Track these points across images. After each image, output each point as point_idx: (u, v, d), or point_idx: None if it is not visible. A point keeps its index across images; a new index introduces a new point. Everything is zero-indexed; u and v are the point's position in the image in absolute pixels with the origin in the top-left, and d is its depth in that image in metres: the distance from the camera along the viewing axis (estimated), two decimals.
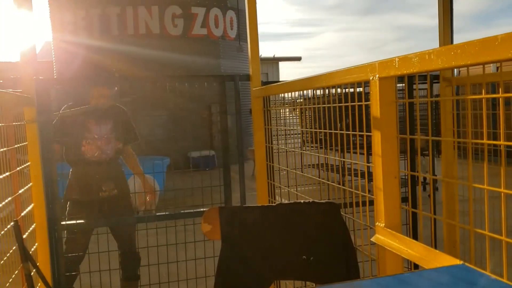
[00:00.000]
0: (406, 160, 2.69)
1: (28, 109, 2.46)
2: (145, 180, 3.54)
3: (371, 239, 1.52)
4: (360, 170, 2.12)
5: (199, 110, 10.38)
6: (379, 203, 1.50)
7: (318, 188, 2.44)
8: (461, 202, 2.49)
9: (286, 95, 2.73)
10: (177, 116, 10.36)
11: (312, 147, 3.75)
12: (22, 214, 2.30)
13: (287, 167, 2.74)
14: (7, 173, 2.05)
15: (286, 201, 2.12)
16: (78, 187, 3.24)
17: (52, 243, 2.59)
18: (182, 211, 2.91)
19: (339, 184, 2.05)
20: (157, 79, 3.54)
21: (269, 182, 2.83)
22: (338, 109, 1.94)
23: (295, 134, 3.71)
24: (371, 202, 1.66)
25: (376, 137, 1.49)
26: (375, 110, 1.48)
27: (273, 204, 1.96)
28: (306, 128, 3.12)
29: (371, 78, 1.48)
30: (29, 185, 2.44)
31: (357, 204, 1.90)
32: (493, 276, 0.95)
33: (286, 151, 2.79)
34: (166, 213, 2.93)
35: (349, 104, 1.85)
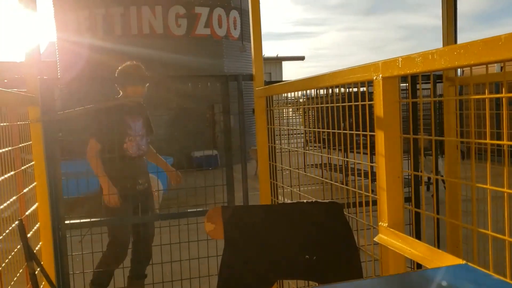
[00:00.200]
0: (409, 160, 2.69)
1: (33, 109, 2.48)
2: (169, 168, 3.62)
3: (374, 239, 1.52)
4: (364, 170, 2.12)
5: (202, 110, 10.39)
6: (382, 202, 1.50)
7: (321, 188, 2.44)
8: (464, 202, 2.49)
9: (289, 94, 2.73)
10: (180, 116, 10.38)
11: (315, 147, 3.75)
12: (27, 213, 2.31)
13: (290, 167, 2.74)
14: (12, 172, 2.06)
15: (289, 201, 2.12)
16: (116, 182, 3.29)
17: (56, 242, 2.60)
18: (185, 211, 2.92)
19: (342, 184, 2.06)
20: (160, 79, 3.55)
21: (272, 182, 2.83)
22: (341, 108, 1.94)
23: (298, 134, 3.71)
24: (375, 202, 1.66)
25: (380, 136, 1.49)
26: (379, 109, 1.48)
27: (276, 204, 1.97)
28: (309, 128, 3.12)
29: (374, 77, 1.48)
30: (33, 184, 2.45)
31: (361, 204, 1.90)
32: (496, 276, 0.96)
33: (289, 151, 2.79)
34: (170, 212, 2.94)
35: (353, 103, 1.85)
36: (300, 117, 3.67)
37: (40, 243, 2.48)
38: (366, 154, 2.13)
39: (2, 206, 1.93)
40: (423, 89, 3.08)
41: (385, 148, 1.46)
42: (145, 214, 3.33)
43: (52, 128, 2.61)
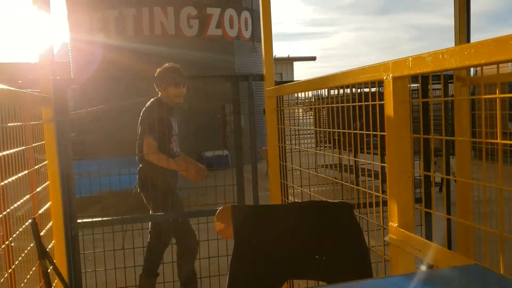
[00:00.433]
0: (420, 161, 2.68)
1: (46, 109, 2.51)
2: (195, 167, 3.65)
3: (384, 239, 1.52)
4: (375, 171, 2.11)
5: (213, 110, 10.42)
6: (393, 203, 1.50)
7: (331, 189, 2.44)
8: (476, 203, 2.47)
9: (300, 94, 2.73)
10: (191, 116, 10.42)
11: (326, 147, 3.74)
12: (40, 212, 2.34)
13: (300, 167, 2.74)
14: (25, 172, 2.09)
15: (299, 201, 2.12)
16: (166, 179, 3.36)
17: (68, 240, 2.63)
18: (196, 210, 2.94)
19: (353, 184, 2.05)
20: (171, 79, 3.58)
21: (282, 182, 2.83)
22: (352, 108, 1.94)
23: (309, 134, 3.70)
24: (386, 203, 1.66)
25: (390, 136, 1.49)
26: (389, 109, 1.48)
27: (286, 204, 1.97)
28: (320, 128, 3.11)
29: (384, 77, 1.48)
30: (46, 183, 2.49)
31: (372, 205, 1.90)
32: (507, 277, 0.95)
33: (299, 151, 2.79)
34: (180, 211, 2.96)
35: (363, 103, 1.84)
36: (311, 117, 3.66)
37: (53, 241, 2.51)
38: (377, 154, 2.12)
39: (15, 205, 1.96)
40: (434, 89, 3.06)
41: (395, 148, 1.46)
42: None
43: (65, 128, 2.65)
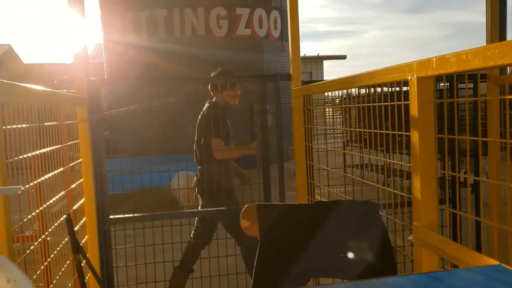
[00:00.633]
0: (450, 161, 2.64)
1: (80, 109, 2.60)
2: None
3: (408, 238, 1.52)
4: (404, 171, 2.10)
5: (241, 110, 10.47)
6: (417, 202, 1.50)
7: (359, 189, 2.44)
8: (504, 204, 2.43)
9: (328, 94, 2.74)
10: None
11: (355, 147, 3.73)
12: (74, 207, 2.43)
13: (327, 167, 2.75)
14: (61, 169, 2.17)
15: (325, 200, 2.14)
16: (229, 177, 3.51)
17: (101, 235, 2.72)
18: (224, 208, 2.98)
19: (382, 184, 2.05)
20: (200, 79, 3.64)
21: (308, 182, 2.85)
22: (383, 108, 1.93)
23: (337, 133, 3.70)
24: (409, 204, 1.66)
25: (414, 136, 1.50)
26: (413, 109, 1.49)
27: (311, 202, 1.99)
28: (349, 127, 3.10)
29: (409, 78, 1.49)
30: (80, 180, 2.58)
31: (401, 205, 1.90)
32: None
33: (326, 151, 2.80)
34: (207, 209, 3.02)
35: (389, 103, 1.85)
36: (340, 116, 3.66)
37: (86, 236, 2.60)
38: (409, 154, 2.11)
39: (51, 201, 2.04)
40: (462, 88, 3.02)
41: (420, 148, 1.46)
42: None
43: (98, 127, 2.73)
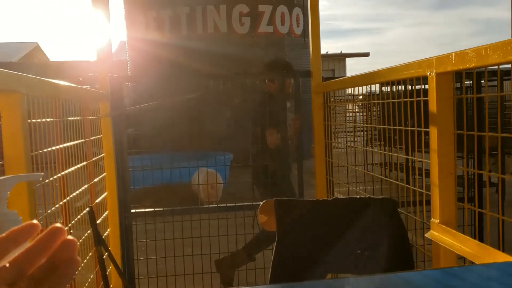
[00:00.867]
0: (472, 159, 2.61)
1: (103, 104, 2.65)
2: None
3: (425, 235, 1.52)
4: (426, 169, 2.09)
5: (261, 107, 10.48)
6: (435, 199, 1.49)
7: (379, 188, 2.43)
8: None
9: (350, 91, 2.73)
10: (241, 113, 10.54)
11: (376, 145, 3.71)
12: (96, 201, 2.48)
13: (347, 164, 2.75)
14: (84, 163, 2.23)
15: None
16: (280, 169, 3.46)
17: (122, 229, 2.77)
18: (242, 204, 3.01)
19: (401, 182, 2.04)
20: (221, 76, 3.67)
21: (328, 179, 2.85)
22: (405, 105, 1.92)
23: (358, 131, 3.68)
24: (426, 201, 1.65)
25: (433, 133, 1.49)
26: (432, 105, 1.48)
27: (329, 199, 1.99)
28: (371, 124, 3.09)
29: (428, 73, 1.48)
30: (103, 175, 2.63)
31: (419, 203, 1.88)
32: None
33: (346, 148, 2.80)
34: (227, 205, 3.05)
35: (408, 99, 1.83)
36: (360, 115, 3.64)
37: (108, 229, 2.66)
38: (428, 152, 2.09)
39: (74, 194, 2.09)
40: (489, 86, 2.97)
41: (438, 144, 1.46)
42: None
43: (121, 123, 2.79)
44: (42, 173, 1.46)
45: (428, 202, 1.78)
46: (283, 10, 12.33)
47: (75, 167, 2.06)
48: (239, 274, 3.07)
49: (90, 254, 2.26)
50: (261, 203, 1.82)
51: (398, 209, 1.84)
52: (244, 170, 3.92)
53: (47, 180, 1.70)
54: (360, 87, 2.49)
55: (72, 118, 2.09)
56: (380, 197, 1.90)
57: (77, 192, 2.12)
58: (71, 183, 2.02)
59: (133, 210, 2.88)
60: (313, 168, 2.92)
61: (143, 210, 3.00)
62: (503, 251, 1.34)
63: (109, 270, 2.46)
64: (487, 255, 1.24)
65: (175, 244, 3.05)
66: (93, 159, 2.49)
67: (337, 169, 2.86)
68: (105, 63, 2.66)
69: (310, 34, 2.91)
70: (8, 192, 0.62)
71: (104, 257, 2.13)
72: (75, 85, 2.08)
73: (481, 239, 2.36)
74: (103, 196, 2.61)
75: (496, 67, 1.32)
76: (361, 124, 3.17)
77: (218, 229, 3.04)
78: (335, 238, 1.83)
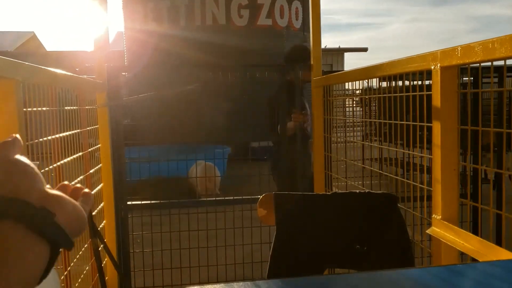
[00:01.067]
0: (472, 155, 2.59)
1: (100, 95, 2.62)
2: None
3: (427, 231, 1.50)
4: (425, 165, 2.07)
5: (260, 101, 10.45)
6: (437, 195, 1.47)
7: (378, 182, 2.41)
8: None
9: (349, 85, 2.71)
10: (239, 106, 10.49)
11: (374, 140, 3.70)
12: (92, 192, 2.45)
13: (346, 159, 2.72)
14: (80, 153, 2.20)
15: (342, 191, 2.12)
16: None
17: (118, 221, 2.75)
18: (240, 197, 2.99)
19: (400, 177, 2.02)
20: (221, 68, 3.63)
21: (326, 173, 2.83)
22: (404, 100, 1.90)
23: (356, 126, 3.66)
24: (428, 197, 1.63)
25: (436, 128, 1.46)
26: (436, 100, 1.45)
27: (328, 193, 1.97)
28: (369, 119, 3.06)
29: (432, 67, 1.45)
30: (99, 166, 2.60)
31: (420, 199, 1.87)
32: None
33: (345, 142, 2.77)
34: (225, 198, 3.03)
35: (410, 93, 1.81)
36: (359, 109, 3.61)
37: (104, 221, 2.63)
38: (429, 148, 2.07)
39: (65, 197, 2.06)
40: (491, 77, 2.95)
41: (441, 140, 1.43)
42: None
43: (118, 114, 2.75)
44: (38, 162, 1.43)
45: (427, 198, 1.77)
46: (282, 3, 12.25)
47: (71, 157, 2.03)
48: (236, 268, 3.06)
49: (86, 246, 2.23)
50: (260, 196, 1.80)
51: (398, 205, 1.82)
52: (242, 164, 3.89)
53: (42, 170, 1.67)
54: (359, 82, 2.47)
55: (69, 107, 2.06)
56: (380, 192, 1.88)
57: (73, 183, 2.08)
58: (66, 174, 1.99)
59: (129, 202, 2.85)
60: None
61: (139, 202, 2.97)
62: (504, 247, 1.32)
63: (104, 262, 2.44)
64: (489, 252, 1.22)
65: (172, 237, 3.03)
66: (90, 149, 2.46)
67: (335, 164, 2.84)
68: (102, 53, 2.63)
69: (310, 28, 2.88)
70: None
71: (99, 249, 2.11)
72: (72, 74, 2.05)
73: (477, 235, 2.35)
74: (99, 187, 2.58)
75: (496, 62, 1.30)
76: (362, 119, 3.14)
77: (216, 223, 3.02)
78: (334, 233, 1.82)
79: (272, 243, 1.80)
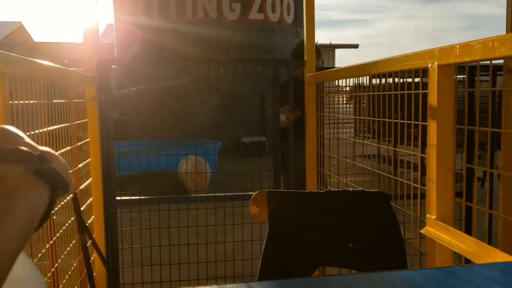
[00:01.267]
0: (462, 154, 2.59)
1: (90, 88, 2.57)
2: None
3: (421, 231, 1.48)
4: (414, 162, 2.06)
5: (252, 95, 10.41)
6: (432, 195, 1.46)
7: (370, 179, 2.40)
8: None
9: (341, 82, 2.68)
10: (230, 101, 10.45)
11: (365, 136, 3.69)
12: (81, 187, 2.41)
13: (338, 156, 2.71)
14: (68, 148, 2.15)
15: (335, 189, 2.10)
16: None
17: (107, 217, 2.71)
18: (232, 194, 2.96)
19: (392, 175, 2.01)
20: (212, 62, 3.58)
21: (319, 170, 2.81)
22: (393, 98, 1.89)
23: (347, 123, 3.65)
24: (422, 196, 1.62)
25: (432, 127, 1.45)
26: (432, 99, 1.43)
27: (322, 191, 1.95)
28: (360, 116, 3.05)
29: (429, 65, 1.43)
30: (87, 160, 2.56)
31: (409, 197, 1.86)
32: None
33: (338, 139, 2.76)
34: (216, 195, 3.00)
35: (405, 92, 1.79)
36: (351, 106, 3.60)
37: (92, 217, 2.59)
38: (417, 146, 2.06)
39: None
40: (481, 81, 2.95)
41: (437, 139, 1.41)
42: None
43: (107, 107, 2.70)
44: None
45: (419, 196, 1.75)
46: None
47: (60, 151, 1.99)
48: (226, 265, 3.03)
49: (74, 241, 2.19)
50: (254, 193, 1.77)
51: (391, 203, 1.81)
52: (233, 160, 3.86)
53: None
54: (351, 79, 2.45)
55: (57, 100, 2.01)
56: (373, 190, 1.87)
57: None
58: None
59: (118, 198, 2.81)
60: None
61: (128, 198, 2.93)
62: (490, 244, 1.31)
63: (92, 258, 2.40)
64: (485, 253, 1.21)
65: (161, 233, 3.00)
66: (78, 143, 2.41)
67: (327, 161, 2.82)
68: (91, 45, 2.57)
69: (304, 23, 2.84)
70: None
71: (87, 244, 2.07)
72: (61, 67, 2.00)
73: (469, 234, 2.35)
74: (87, 182, 2.54)
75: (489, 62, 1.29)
76: (355, 116, 3.13)
77: (206, 219, 2.99)
78: (327, 231, 1.80)
79: (265, 241, 1.78)
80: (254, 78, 3.53)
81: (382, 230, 1.78)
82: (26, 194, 0.52)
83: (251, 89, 9.39)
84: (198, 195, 3.28)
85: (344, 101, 3.51)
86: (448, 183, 1.41)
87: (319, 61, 3.52)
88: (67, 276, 2.08)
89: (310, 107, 2.79)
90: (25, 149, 0.54)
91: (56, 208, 1.99)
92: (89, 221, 2.52)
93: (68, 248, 2.10)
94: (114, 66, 3.00)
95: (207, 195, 3.14)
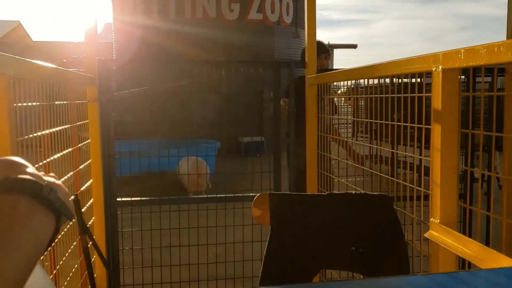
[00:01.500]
0: (463, 156, 2.59)
1: (90, 88, 2.56)
2: None
3: (424, 235, 1.48)
4: (412, 164, 2.06)
5: (251, 96, 10.41)
6: (435, 198, 1.46)
7: (369, 180, 2.40)
8: None
9: (340, 83, 2.68)
10: (230, 101, 10.43)
11: (363, 137, 3.69)
12: (82, 189, 2.40)
13: (339, 157, 2.71)
14: (69, 149, 2.14)
15: (336, 191, 2.10)
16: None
17: (108, 218, 2.70)
18: (232, 195, 2.96)
19: (391, 177, 2.01)
20: (213, 63, 3.58)
21: (319, 171, 2.81)
22: (395, 99, 1.88)
23: (346, 123, 3.65)
24: (424, 197, 1.62)
25: (436, 130, 1.45)
26: (437, 102, 1.43)
27: (324, 193, 1.95)
28: (359, 118, 3.05)
29: (433, 69, 1.43)
30: (88, 161, 2.55)
31: (410, 199, 1.86)
32: None
33: (338, 140, 2.75)
34: (217, 195, 2.99)
35: (409, 95, 1.79)
36: (349, 106, 3.60)
37: (93, 218, 2.58)
38: (413, 146, 2.06)
39: (59, 182, 2.01)
40: (479, 82, 2.96)
41: (442, 142, 1.41)
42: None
43: (108, 108, 2.70)
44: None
45: (418, 198, 1.75)
46: None
47: (61, 153, 1.98)
48: (227, 266, 3.03)
49: (75, 243, 2.19)
50: (255, 195, 1.77)
51: (394, 206, 1.81)
52: (233, 160, 3.86)
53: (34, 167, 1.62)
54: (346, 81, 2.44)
55: (59, 102, 2.00)
56: (376, 193, 1.87)
57: (63, 179, 2.04)
58: (56, 170, 1.94)
59: (119, 199, 2.81)
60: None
61: (129, 199, 2.93)
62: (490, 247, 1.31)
63: (93, 259, 2.39)
64: (490, 258, 1.21)
65: (162, 234, 3.00)
66: (79, 145, 2.40)
67: (327, 162, 2.82)
68: (92, 45, 2.57)
69: (306, 24, 2.84)
70: None
71: (88, 246, 2.06)
72: (61, 68, 1.99)
73: (469, 235, 2.35)
74: (88, 183, 2.53)
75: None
76: (357, 118, 3.12)
77: (207, 220, 2.98)
78: (329, 234, 1.80)
79: (267, 243, 1.77)
80: (254, 78, 3.53)
81: (384, 233, 1.77)
82: (35, 223, 0.55)
83: (250, 90, 9.39)
84: (199, 196, 3.27)
85: (343, 101, 3.52)
86: (452, 187, 1.41)
87: (328, 61, 3.52)
88: (68, 278, 2.08)
89: (311, 108, 2.79)
90: (33, 179, 0.57)
91: None
92: (89, 223, 2.51)
93: (70, 250, 2.10)
94: (114, 68, 2.99)
95: (208, 196, 3.14)
